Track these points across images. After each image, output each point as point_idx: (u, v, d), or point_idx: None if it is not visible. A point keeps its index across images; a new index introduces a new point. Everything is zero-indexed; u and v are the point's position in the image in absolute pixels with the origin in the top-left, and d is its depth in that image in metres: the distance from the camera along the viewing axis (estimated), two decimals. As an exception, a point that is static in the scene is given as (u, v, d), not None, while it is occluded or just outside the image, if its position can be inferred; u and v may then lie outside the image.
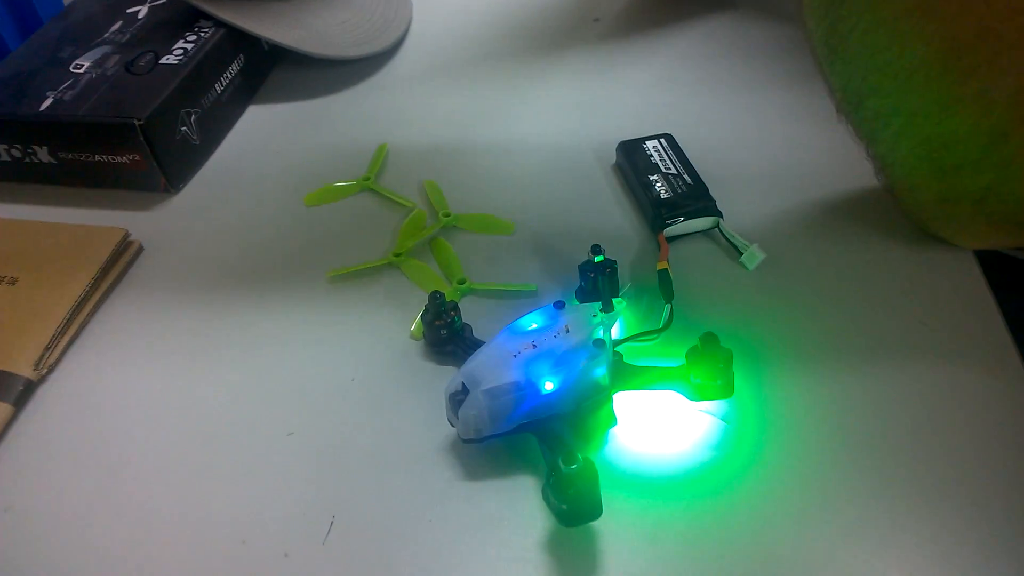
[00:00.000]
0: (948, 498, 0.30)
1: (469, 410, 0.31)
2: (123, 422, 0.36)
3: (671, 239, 0.42)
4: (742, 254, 0.40)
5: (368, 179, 0.46)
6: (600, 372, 0.32)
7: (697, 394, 0.33)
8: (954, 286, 0.38)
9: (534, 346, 0.32)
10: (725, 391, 0.32)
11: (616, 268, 0.38)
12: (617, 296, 0.37)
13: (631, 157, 0.46)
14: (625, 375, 0.34)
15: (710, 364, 0.32)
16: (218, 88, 0.52)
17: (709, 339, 0.32)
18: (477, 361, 0.32)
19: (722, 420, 0.34)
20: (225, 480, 0.33)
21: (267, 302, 0.41)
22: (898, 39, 0.31)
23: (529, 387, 0.31)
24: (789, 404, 0.34)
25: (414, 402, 0.35)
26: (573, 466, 0.28)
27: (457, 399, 0.32)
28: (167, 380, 0.38)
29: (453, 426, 0.33)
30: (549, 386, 0.31)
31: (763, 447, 0.33)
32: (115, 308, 0.42)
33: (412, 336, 0.38)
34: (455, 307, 0.37)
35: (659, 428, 0.33)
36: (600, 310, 0.34)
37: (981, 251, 0.40)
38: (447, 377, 0.34)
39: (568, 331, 0.33)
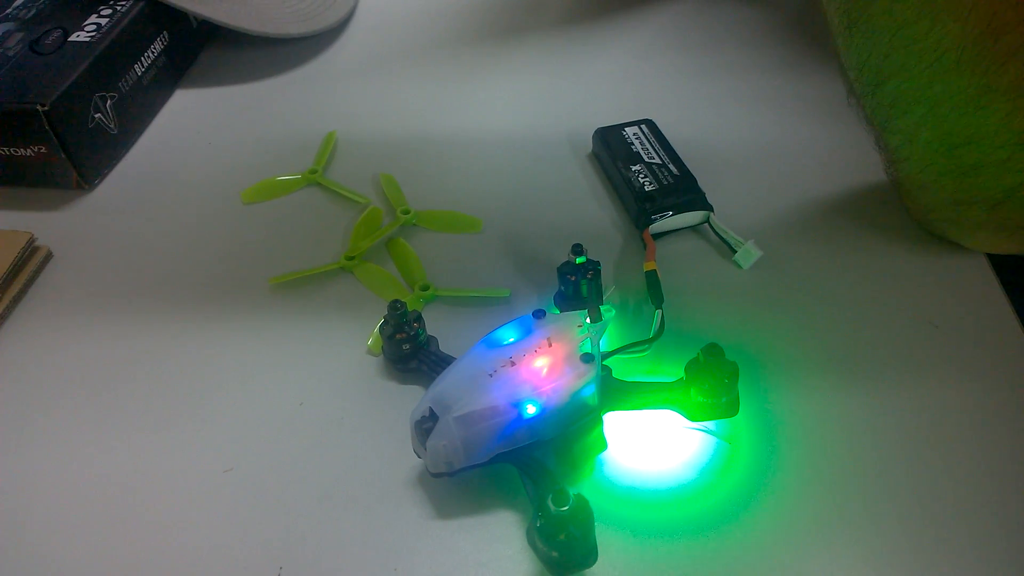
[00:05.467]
0: (971, 514, 0.28)
1: (439, 440, 0.28)
2: (23, 464, 0.32)
3: (656, 236, 0.39)
4: (735, 252, 0.38)
5: (315, 172, 0.44)
6: (589, 391, 0.29)
7: (698, 414, 0.30)
8: (965, 286, 0.36)
9: (512, 363, 0.29)
10: (730, 409, 0.30)
11: (600, 270, 0.35)
12: (602, 302, 0.34)
13: (610, 145, 0.43)
14: (616, 394, 0.31)
15: (714, 379, 0.29)
16: (138, 70, 0.48)
17: (713, 351, 0.29)
18: (447, 382, 0.29)
19: (721, 439, 0.31)
20: (149, 529, 0.30)
21: (198, 316, 0.37)
22: (928, 12, 0.28)
23: (508, 412, 0.28)
24: (792, 417, 0.32)
25: (374, 429, 0.32)
26: (564, 507, 0.25)
27: (424, 427, 0.28)
28: (78, 412, 0.34)
29: (420, 457, 0.30)
30: (531, 409, 0.29)
31: (767, 466, 0.30)
32: (17, 326, 0.37)
33: (369, 351, 0.35)
34: (418, 317, 0.34)
35: (652, 449, 0.31)
36: (586, 319, 0.31)
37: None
38: (411, 398, 0.32)
39: (551, 344, 0.30)
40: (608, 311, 0.32)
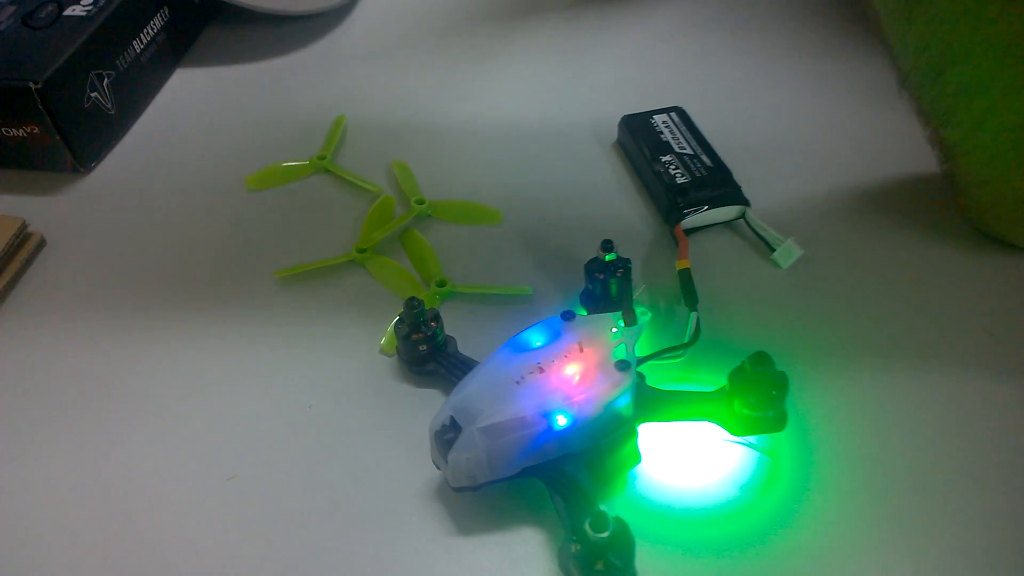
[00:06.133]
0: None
1: (462, 453, 0.26)
2: (14, 469, 0.30)
3: (688, 232, 0.37)
4: (774, 250, 0.36)
5: (323, 158, 0.42)
6: (624, 401, 0.27)
7: (741, 428, 0.28)
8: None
9: (541, 370, 0.27)
10: (777, 424, 0.28)
11: (630, 268, 0.33)
12: (634, 303, 0.32)
13: (637, 134, 0.41)
14: (651, 403, 0.29)
15: (761, 391, 0.27)
16: (137, 47, 0.45)
17: (761, 360, 0.27)
18: (470, 389, 0.27)
19: (761, 452, 0.29)
20: (143, 540, 0.27)
21: (199, 310, 0.35)
22: None
23: (538, 423, 0.26)
24: (836, 429, 0.30)
25: (388, 435, 0.30)
26: (604, 533, 0.22)
27: (446, 438, 0.26)
28: (68, 413, 0.32)
29: (440, 469, 0.27)
30: (562, 421, 0.26)
31: (811, 482, 0.28)
32: (6, 318, 0.35)
33: (382, 351, 0.33)
34: (436, 316, 0.32)
35: (687, 462, 0.29)
36: (620, 322, 0.29)
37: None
38: (428, 402, 0.30)
39: (582, 349, 0.28)
40: (644, 313, 0.30)
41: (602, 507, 0.24)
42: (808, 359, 0.32)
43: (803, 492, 0.28)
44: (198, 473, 0.29)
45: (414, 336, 0.31)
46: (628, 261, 0.33)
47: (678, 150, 0.39)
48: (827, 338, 0.33)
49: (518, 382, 0.27)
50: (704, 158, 0.39)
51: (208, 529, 0.28)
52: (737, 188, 0.37)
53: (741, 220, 0.37)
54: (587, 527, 0.23)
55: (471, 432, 0.26)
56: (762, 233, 0.36)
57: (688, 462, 0.29)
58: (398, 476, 0.29)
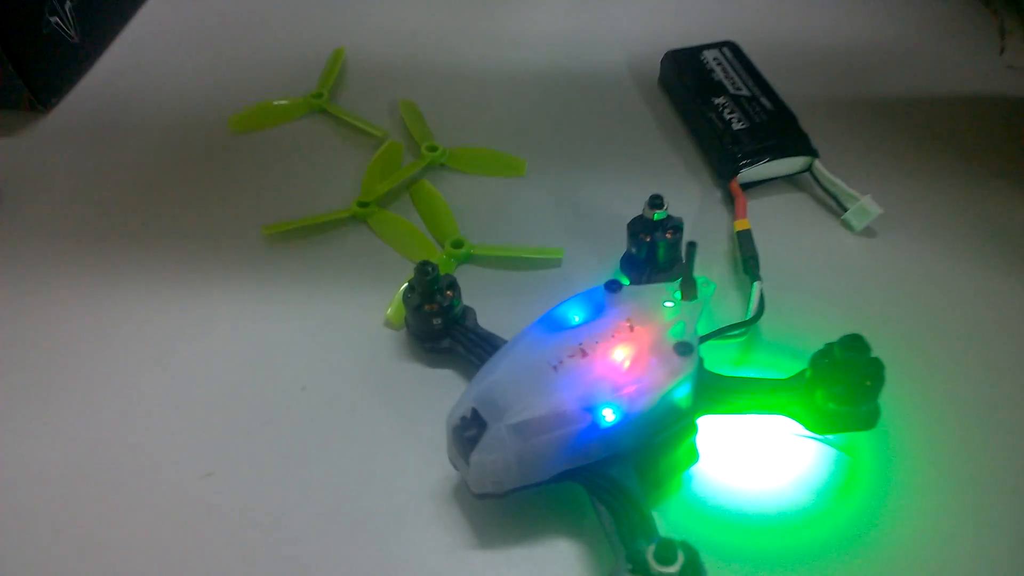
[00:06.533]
0: None
1: (487, 455, 0.22)
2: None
3: (744, 187, 0.32)
4: (846, 209, 0.31)
5: (319, 97, 0.38)
6: (683, 392, 0.23)
7: (824, 424, 0.24)
8: None
9: (583, 353, 0.23)
10: (868, 421, 0.23)
11: (682, 229, 0.29)
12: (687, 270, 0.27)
13: (684, 73, 0.36)
14: (712, 392, 0.24)
15: (853, 381, 0.22)
16: (105, -36, 0.40)
17: (853, 344, 0.22)
18: (497, 376, 0.23)
19: (838, 449, 0.25)
20: (106, 545, 0.23)
21: (175, 273, 0.31)
22: None
23: (580, 419, 0.22)
24: (925, 423, 0.26)
25: (395, 424, 0.26)
26: (672, 567, 0.18)
27: (467, 436, 0.22)
28: (28, 391, 0.27)
29: (458, 470, 0.23)
30: (609, 416, 0.22)
31: (898, 485, 0.24)
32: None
33: (388, 323, 0.29)
34: (452, 283, 0.27)
35: (750, 460, 0.25)
36: (676, 294, 0.24)
37: None
38: (442, 385, 0.26)
39: (632, 328, 0.23)
40: (706, 284, 0.25)
41: (668, 535, 0.19)
42: (886, 338, 0.27)
43: (887, 496, 0.24)
44: (166, 467, 0.25)
45: (427, 307, 0.27)
46: (680, 221, 0.28)
47: (733, 91, 0.35)
48: (908, 314, 0.29)
49: (555, 367, 0.22)
50: (764, 101, 0.34)
51: (178, 537, 0.23)
52: (804, 136, 0.33)
53: (807, 174, 0.33)
54: (650, 556, 0.18)
55: (499, 430, 0.21)
56: (832, 189, 0.32)
57: (750, 460, 0.25)
58: (407, 474, 0.25)
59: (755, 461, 0.25)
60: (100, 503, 0.24)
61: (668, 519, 0.23)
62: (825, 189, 0.32)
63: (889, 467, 0.25)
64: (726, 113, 0.33)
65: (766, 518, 0.24)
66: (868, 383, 0.23)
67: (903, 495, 0.24)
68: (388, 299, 0.29)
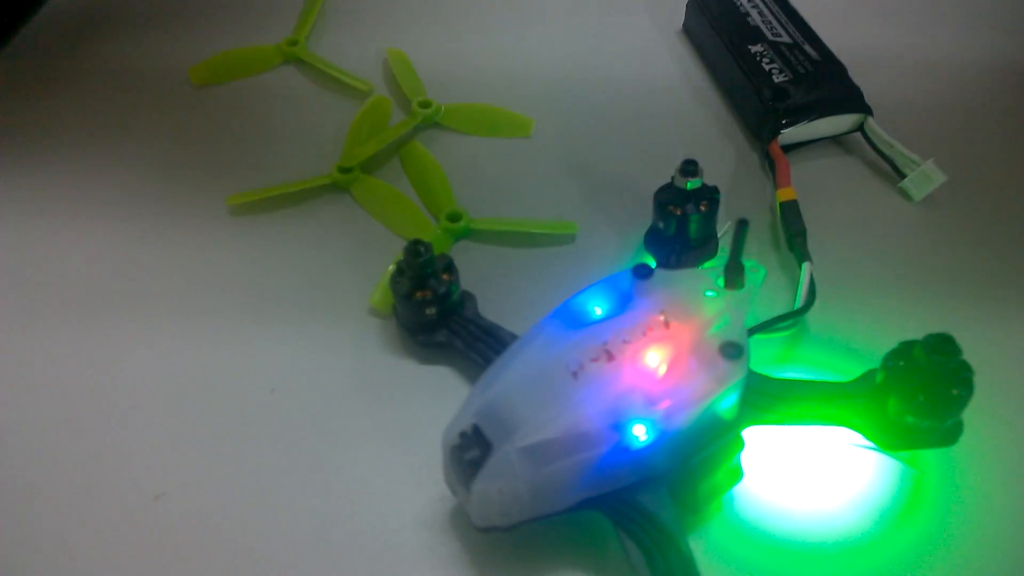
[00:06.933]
0: None
1: (492, 483, 0.18)
2: None
3: (786, 149, 0.29)
4: (904, 176, 0.28)
5: (295, 44, 0.35)
6: (729, 402, 0.19)
7: (899, 440, 0.20)
8: None
9: (609, 355, 0.19)
10: (949, 436, 0.20)
11: (718, 200, 0.25)
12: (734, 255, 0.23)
13: (715, 17, 0.33)
14: (762, 399, 0.21)
15: (937, 391, 0.19)
16: None
17: (940, 345, 0.19)
18: (504, 384, 0.19)
19: (906, 463, 0.21)
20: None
21: (126, 249, 0.27)
22: None
23: (606, 438, 0.18)
24: (1005, 433, 0.22)
25: (381, 435, 0.23)
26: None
27: (467, 458, 0.19)
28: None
29: (456, 496, 0.20)
30: (642, 434, 0.19)
31: (975, 508, 0.21)
32: None
33: (374, 311, 0.26)
34: (449, 266, 0.24)
35: (801, 475, 0.22)
36: (720, 281, 0.21)
37: None
38: (437, 385, 0.24)
39: (667, 324, 0.20)
40: (755, 270, 0.21)
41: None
42: (953, 326, 0.23)
43: (956, 517, 0.21)
44: (107, 488, 0.22)
45: (419, 294, 0.23)
46: (716, 190, 0.25)
47: (772, 38, 0.31)
48: (979, 299, 0.25)
49: (575, 374, 0.19)
50: (808, 49, 0.31)
51: (122, 572, 0.20)
52: (855, 90, 0.30)
53: (858, 134, 0.30)
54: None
55: (506, 453, 0.18)
56: (888, 152, 0.29)
57: (801, 474, 0.22)
58: (397, 496, 0.21)
59: (806, 475, 0.22)
60: (28, 532, 0.21)
61: (708, 544, 0.20)
62: (880, 152, 0.29)
63: (959, 483, 0.21)
64: (764, 63, 0.30)
65: (820, 543, 0.20)
66: (956, 392, 0.19)
67: (975, 515, 0.21)
68: (373, 281, 0.26)
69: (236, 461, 0.22)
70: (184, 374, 0.24)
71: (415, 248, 0.23)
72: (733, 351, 0.19)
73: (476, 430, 0.18)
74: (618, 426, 0.18)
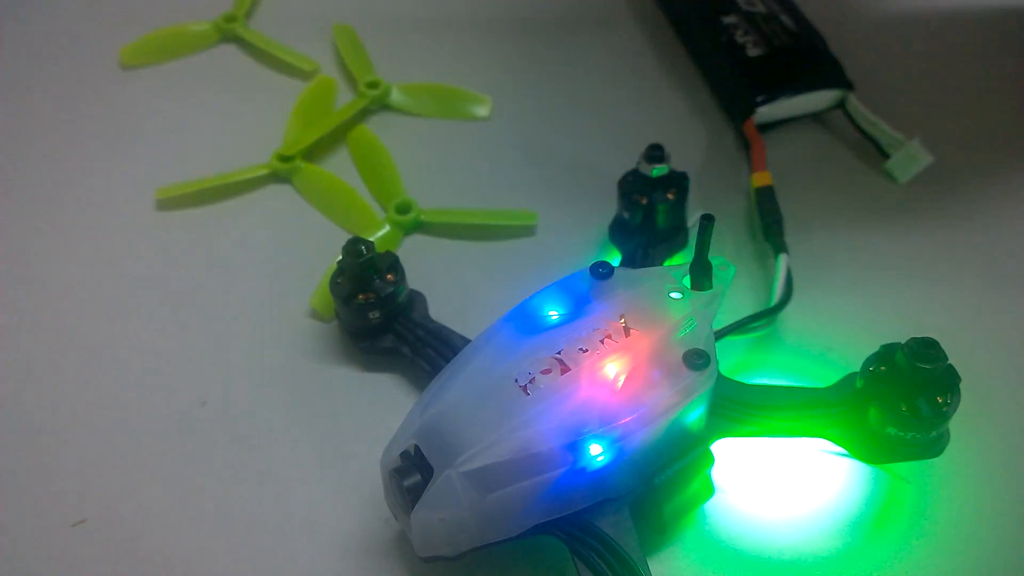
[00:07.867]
0: None
1: (434, 512, 0.17)
2: None
3: (762, 128, 0.28)
4: (888, 156, 0.27)
5: (232, 20, 0.34)
6: (695, 415, 0.18)
7: (880, 452, 0.19)
8: None
9: (562, 364, 0.18)
10: (933, 447, 0.19)
11: (687, 187, 0.24)
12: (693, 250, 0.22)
13: None
14: (733, 409, 0.20)
15: (921, 400, 0.18)
16: None
17: (926, 351, 0.17)
18: (448, 400, 0.18)
19: (888, 472, 0.20)
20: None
21: (43, 248, 0.26)
22: None
23: (560, 459, 0.17)
24: (990, 440, 0.21)
25: (321, 450, 0.21)
26: None
27: (407, 484, 0.17)
28: None
29: (399, 521, 0.18)
30: (598, 454, 0.17)
31: (953, 516, 0.20)
32: None
33: (315, 314, 0.24)
34: (394, 264, 0.23)
35: (774, 483, 0.20)
36: (684, 281, 0.20)
37: None
38: (383, 395, 0.23)
39: (627, 329, 0.18)
40: (724, 267, 0.20)
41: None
42: (942, 325, 0.22)
43: (940, 527, 0.20)
44: (24, 514, 0.20)
45: (360, 297, 0.22)
46: (685, 177, 0.24)
47: (746, 8, 0.30)
48: (971, 289, 0.24)
49: (525, 387, 0.18)
50: (785, 19, 0.30)
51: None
52: (835, 64, 0.29)
53: (839, 111, 0.29)
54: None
55: (448, 478, 0.17)
56: (871, 131, 0.28)
57: (774, 483, 0.20)
58: (337, 519, 0.20)
59: (780, 484, 0.20)
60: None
61: (680, 558, 0.19)
62: (862, 131, 0.28)
63: (941, 492, 0.20)
64: (738, 36, 0.29)
65: (795, 557, 0.19)
66: (941, 401, 0.18)
67: (959, 526, 0.20)
68: (314, 283, 0.24)
69: (163, 481, 0.21)
70: (105, 386, 0.22)
71: (355, 248, 0.21)
72: (699, 360, 0.17)
73: (417, 451, 0.17)
74: (573, 446, 0.17)
